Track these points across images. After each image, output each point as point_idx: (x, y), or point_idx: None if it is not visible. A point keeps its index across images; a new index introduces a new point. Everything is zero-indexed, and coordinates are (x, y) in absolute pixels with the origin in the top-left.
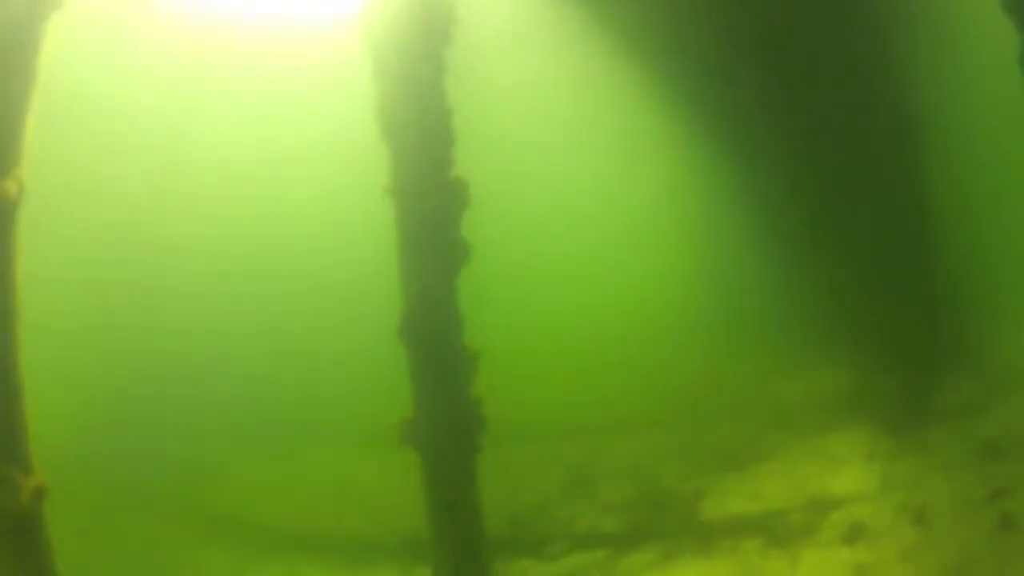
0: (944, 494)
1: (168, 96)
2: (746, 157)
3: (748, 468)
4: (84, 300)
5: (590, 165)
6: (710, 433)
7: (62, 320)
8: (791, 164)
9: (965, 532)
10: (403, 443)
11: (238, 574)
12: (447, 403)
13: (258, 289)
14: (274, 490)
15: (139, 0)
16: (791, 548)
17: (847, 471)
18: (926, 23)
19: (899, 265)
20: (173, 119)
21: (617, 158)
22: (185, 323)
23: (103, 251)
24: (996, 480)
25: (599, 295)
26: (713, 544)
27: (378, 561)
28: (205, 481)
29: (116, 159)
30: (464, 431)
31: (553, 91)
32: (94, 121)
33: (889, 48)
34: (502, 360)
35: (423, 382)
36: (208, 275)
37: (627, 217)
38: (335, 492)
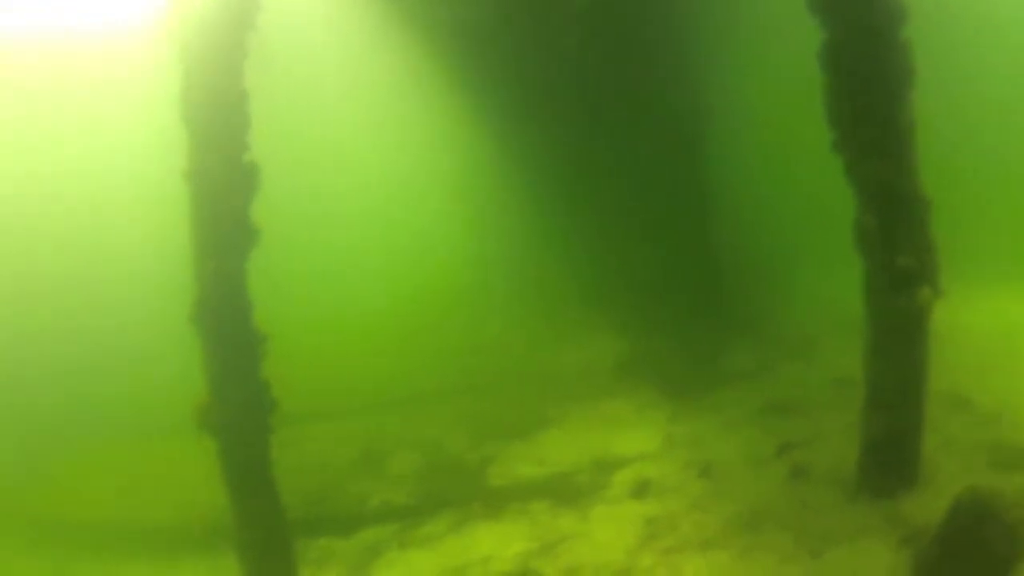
0: (731, 450)
1: None
2: (530, 136)
3: (533, 434)
4: None
5: (381, 148)
6: (494, 402)
7: None
8: (576, 139)
9: (756, 483)
10: (201, 429)
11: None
12: (239, 386)
13: (57, 287)
14: (83, 488)
15: None
16: (580, 506)
17: (631, 433)
18: (727, 13)
19: (684, 238)
20: None
21: (408, 141)
22: None
23: None
24: (783, 435)
25: (384, 273)
26: (503, 508)
27: (188, 550)
28: (13, 485)
29: None
30: (256, 413)
31: (349, 74)
32: None
33: (684, 32)
34: (291, 341)
35: (216, 366)
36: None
37: (413, 198)
38: (142, 485)
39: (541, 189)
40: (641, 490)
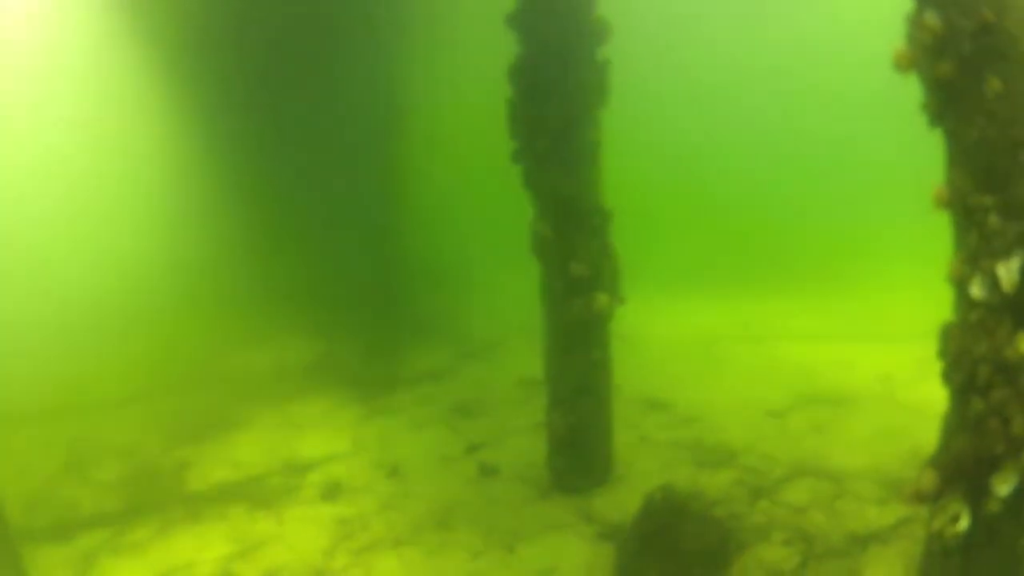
0: (419, 450)
1: None
2: (220, 136)
3: (225, 437)
4: None
5: (82, 146)
6: (185, 405)
7: None
8: (265, 139)
9: (445, 482)
10: None
11: None
12: None
13: None
14: None
15: None
16: (275, 508)
17: (320, 434)
18: (425, 23)
19: (372, 238)
20: None
21: (105, 139)
22: None
23: None
24: (471, 434)
25: (76, 272)
26: (202, 513)
27: None
28: None
29: None
30: None
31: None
32: None
33: (376, 30)
34: None
35: None
36: None
37: (107, 196)
38: None
39: (231, 189)
40: (332, 492)
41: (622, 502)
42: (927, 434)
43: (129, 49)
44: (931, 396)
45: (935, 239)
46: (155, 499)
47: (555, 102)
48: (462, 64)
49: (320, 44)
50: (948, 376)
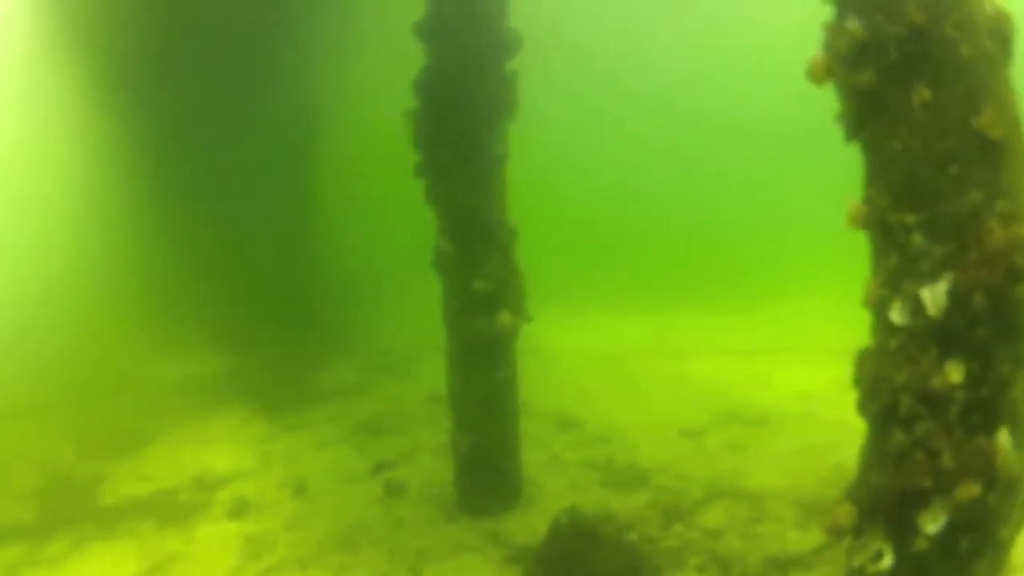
0: (326, 468)
1: None
2: (126, 141)
3: (136, 451)
4: None
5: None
6: (98, 417)
7: None
8: (178, 151)
9: (351, 501)
10: None
11: None
12: None
13: None
14: None
15: None
16: (184, 526)
17: (228, 451)
18: (338, 30)
19: (282, 253)
20: None
21: (27, 141)
22: None
23: None
24: (379, 453)
25: None
26: (114, 528)
27: None
28: None
29: None
30: None
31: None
32: None
33: (296, 56)
34: None
35: None
36: None
37: (16, 203)
38: None
39: (143, 201)
40: (239, 509)
41: (531, 524)
42: (850, 452)
43: (34, 53)
44: (853, 413)
45: (853, 255)
46: (69, 512)
47: (461, 115)
48: (376, 77)
49: (234, 54)
50: (863, 406)
